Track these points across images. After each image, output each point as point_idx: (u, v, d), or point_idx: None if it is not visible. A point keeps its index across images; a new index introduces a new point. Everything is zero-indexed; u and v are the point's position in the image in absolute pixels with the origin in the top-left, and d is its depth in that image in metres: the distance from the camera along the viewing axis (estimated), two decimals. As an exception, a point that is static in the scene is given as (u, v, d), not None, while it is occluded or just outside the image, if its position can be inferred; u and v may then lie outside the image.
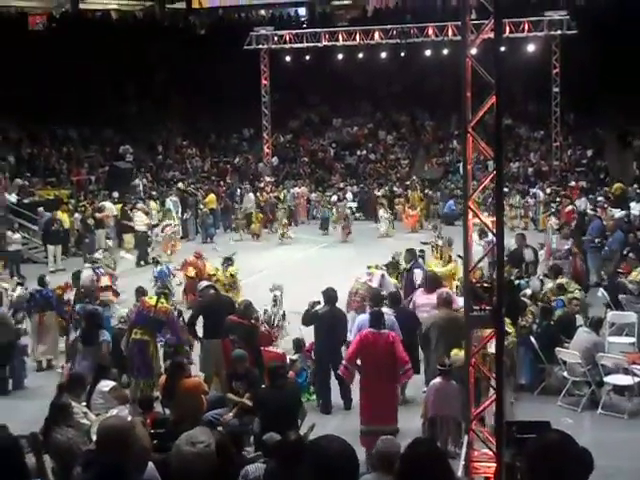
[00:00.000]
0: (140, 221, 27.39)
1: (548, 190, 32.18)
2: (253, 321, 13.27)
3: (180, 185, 33.95)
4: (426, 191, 34.56)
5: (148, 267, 23.02)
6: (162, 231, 27.11)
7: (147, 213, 28.41)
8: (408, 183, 35.50)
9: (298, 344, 13.88)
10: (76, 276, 17.81)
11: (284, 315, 16.12)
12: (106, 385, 10.53)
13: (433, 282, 14.42)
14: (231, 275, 18.50)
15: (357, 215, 33.03)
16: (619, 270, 18.11)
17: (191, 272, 19.98)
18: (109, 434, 5.36)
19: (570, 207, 26.72)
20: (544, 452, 3.69)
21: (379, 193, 34.37)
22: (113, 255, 22.18)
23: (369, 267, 16.94)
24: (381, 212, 31.36)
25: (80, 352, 13.17)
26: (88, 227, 26.62)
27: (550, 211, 28.10)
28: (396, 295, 14.41)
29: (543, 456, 3.68)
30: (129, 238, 27.69)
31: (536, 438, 3.85)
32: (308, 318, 13.77)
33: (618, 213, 24.67)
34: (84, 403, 10.06)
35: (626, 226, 22.08)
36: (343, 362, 11.63)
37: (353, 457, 4.41)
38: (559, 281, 15.98)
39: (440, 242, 21.71)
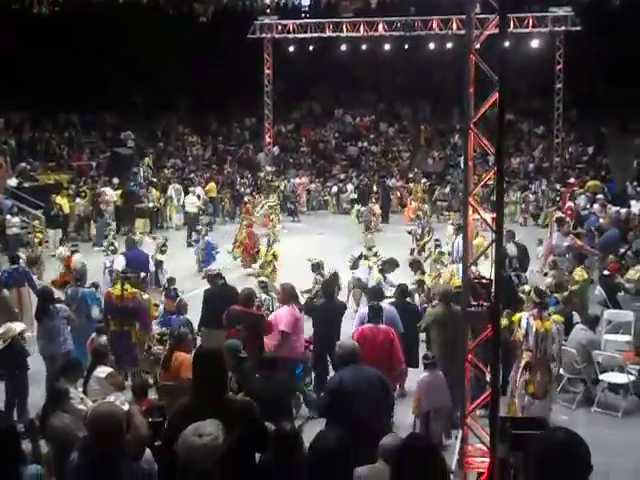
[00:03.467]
0: (191, 203, 28.71)
1: (557, 185, 32.18)
2: (257, 310, 13.34)
3: (192, 175, 34.98)
4: (429, 183, 34.52)
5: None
6: (261, 208, 28.55)
7: (199, 196, 29.69)
8: (411, 176, 35.56)
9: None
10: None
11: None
12: (102, 371, 10.53)
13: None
14: (273, 255, 20.19)
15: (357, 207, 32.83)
16: (606, 268, 18.08)
17: (242, 235, 22.74)
18: (101, 421, 5.39)
19: (569, 204, 26.76)
20: (552, 450, 3.71)
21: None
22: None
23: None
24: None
25: (37, 330, 13.32)
26: (100, 212, 26.77)
27: (557, 206, 28.22)
28: (405, 288, 14.47)
29: (551, 454, 3.69)
30: (140, 223, 27.80)
31: (543, 435, 3.87)
32: (307, 308, 13.84)
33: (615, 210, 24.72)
34: (80, 389, 10.09)
35: (623, 224, 22.07)
36: None
37: (349, 449, 4.45)
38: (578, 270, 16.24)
39: (419, 230, 23.88)
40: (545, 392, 11.78)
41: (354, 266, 18.89)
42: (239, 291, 13.07)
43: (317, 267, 18.22)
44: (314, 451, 4.35)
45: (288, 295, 12.78)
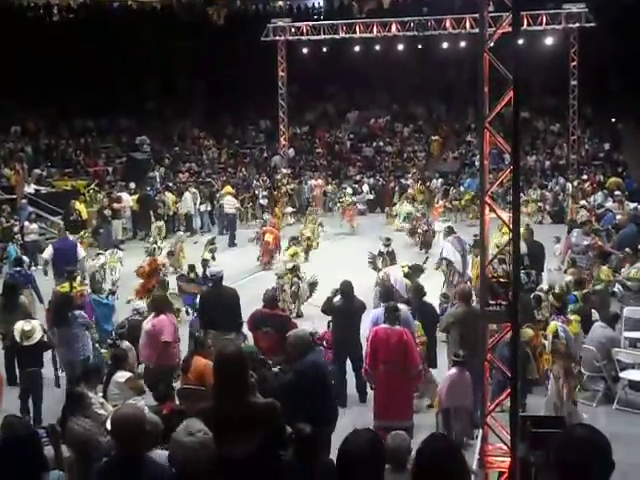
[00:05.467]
0: (230, 205, 29.14)
1: (576, 183, 32.03)
2: (283, 311, 13.38)
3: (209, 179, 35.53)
4: (443, 187, 34.46)
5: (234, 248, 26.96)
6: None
7: (236, 197, 30.38)
8: (409, 175, 35.58)
9: (312, 338, 13.83)
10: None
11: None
12: (122, 376, 10.56)
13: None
14: (292, 255, 20.45)
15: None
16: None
17: (269, 237, 23.50)
18: (123, 423, 5.42)
19: (583, 202, 26.64)
20: (574, 447, 3.69)
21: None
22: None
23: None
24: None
25: (55, 336, 13.31)
26: (105, 218, 26.68)
27: (581, 204, 28.03)
28: (420, 288, 14.44)
29: (572, 451, 3.67)
30: (155, 228, 27.84)
31: (564, 433, 3.85)
32: (326, 307, 13.81)
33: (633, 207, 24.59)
34: (101, 394, 10.12)
35: (640, 220, 21.95)
36: (365, 365, 11.60)
37: (379, 449, 4.42)
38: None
39: (425, 227, 25.48)
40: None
41: (374, 265, 18.87)
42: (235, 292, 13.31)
43: (293, 270, 18.33)
44: (346, 451, 4.33)
45: (162, 304, 12.68)
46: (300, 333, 9.76)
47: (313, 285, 18.47)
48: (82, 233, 23.63)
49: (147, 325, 12.54)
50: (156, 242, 22.16)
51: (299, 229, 25.38)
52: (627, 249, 17.57)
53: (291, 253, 20.85)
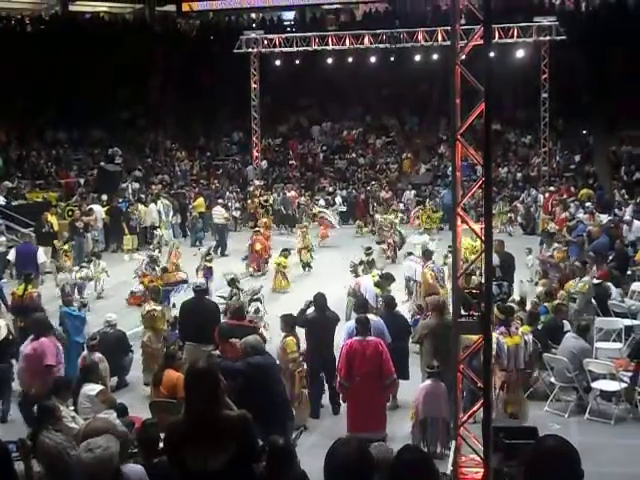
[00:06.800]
0: (220, 215, 28.89)
1: (547, 194, 32.12)
2: (250, 322, 13.31)
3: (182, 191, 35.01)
4: (416, 198, 34.48)
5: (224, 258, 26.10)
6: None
7: (226, 207, 30.46)
8: (369, 188, 35.54)
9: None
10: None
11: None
12: (92, 389, 10.49)
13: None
14: (279, 264, 21.04)
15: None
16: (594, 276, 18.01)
17: (258, 246, 23.64)
18: (94, 436, 5.38)
19: (566, 214, 26.67)
20: (543, 458, 3.71)
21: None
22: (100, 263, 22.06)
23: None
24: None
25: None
26: (76, 230, 26.44)
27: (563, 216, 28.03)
28: (391, 300, 14.44)
29: (542, 462, 3.69)
30: (128, 240, 27.71)
31: (535, 444, 3.87)
32: (300, 320, 13.79)
33: (605, 218, 24.75)
34: (72, 407, 10.03)
35: (613, 231, 22.08)
36: (338, 379, 11.59)
37: (369, 459, 4.39)
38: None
39: (396, 239, 25.43)
40: (520, 410, 11.93)
41: (355, 273, 18.78)
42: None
43: (233, 282, 18.26)
44: (334, 458, 4.29)
45: (41, 326, 12.17)
46: (250, 339, 10.24)
47: (254, 293, 18.30)
48: (60, 244, 23.46)
49: (26, 349, 11.97)
50: (155, 250, 22.32)
51: (298, 240, 25.13)
52: (577, 262, 17.64)
53: (276, 262, 20.84)
